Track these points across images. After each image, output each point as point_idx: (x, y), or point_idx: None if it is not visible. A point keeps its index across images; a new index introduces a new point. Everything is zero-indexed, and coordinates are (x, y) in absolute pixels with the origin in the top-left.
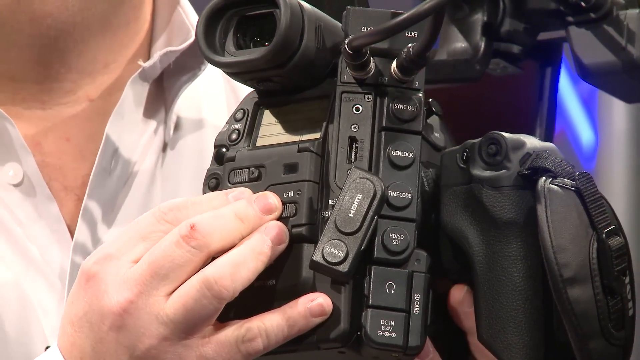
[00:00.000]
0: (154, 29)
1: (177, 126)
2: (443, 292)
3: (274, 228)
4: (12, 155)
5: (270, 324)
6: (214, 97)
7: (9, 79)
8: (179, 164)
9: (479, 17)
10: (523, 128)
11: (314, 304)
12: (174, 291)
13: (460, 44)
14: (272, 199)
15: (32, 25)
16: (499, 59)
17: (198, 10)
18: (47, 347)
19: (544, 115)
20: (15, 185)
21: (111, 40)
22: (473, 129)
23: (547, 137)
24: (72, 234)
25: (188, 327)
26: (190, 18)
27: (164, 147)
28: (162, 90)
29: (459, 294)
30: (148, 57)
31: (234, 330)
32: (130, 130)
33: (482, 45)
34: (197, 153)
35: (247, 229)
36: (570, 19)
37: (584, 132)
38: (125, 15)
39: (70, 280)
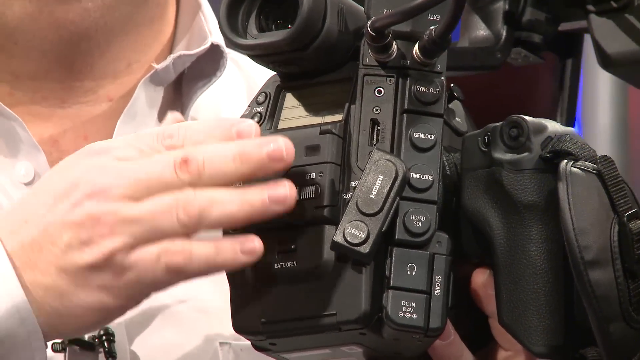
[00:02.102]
0: (176, 34)
1: None
2: (465, 276)
3: (278, 186)
4: (23, 154)
5: (197, 245)
6: (234, 103)
7: (29, 78)
8: None
9: (501, 6)
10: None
11: (247, 242)
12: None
13: (481, 31)
14: (282, 144)
15: (54, 32)
16: (520, 48)
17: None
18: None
19: (564, 106)
20: (27, 184)
21: (134, 39)
22: (494, 119)
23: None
24: None
25: (144, 233)
26: (209, 24)
27: None
28: (179, 96)
29: (481, 277)
30: None
31: (158, 244)
32: (143, 131)
33: (504, 34)
34: None
35: (247, 172)
36: (591, 8)
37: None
38: (149, 14)
39: None
